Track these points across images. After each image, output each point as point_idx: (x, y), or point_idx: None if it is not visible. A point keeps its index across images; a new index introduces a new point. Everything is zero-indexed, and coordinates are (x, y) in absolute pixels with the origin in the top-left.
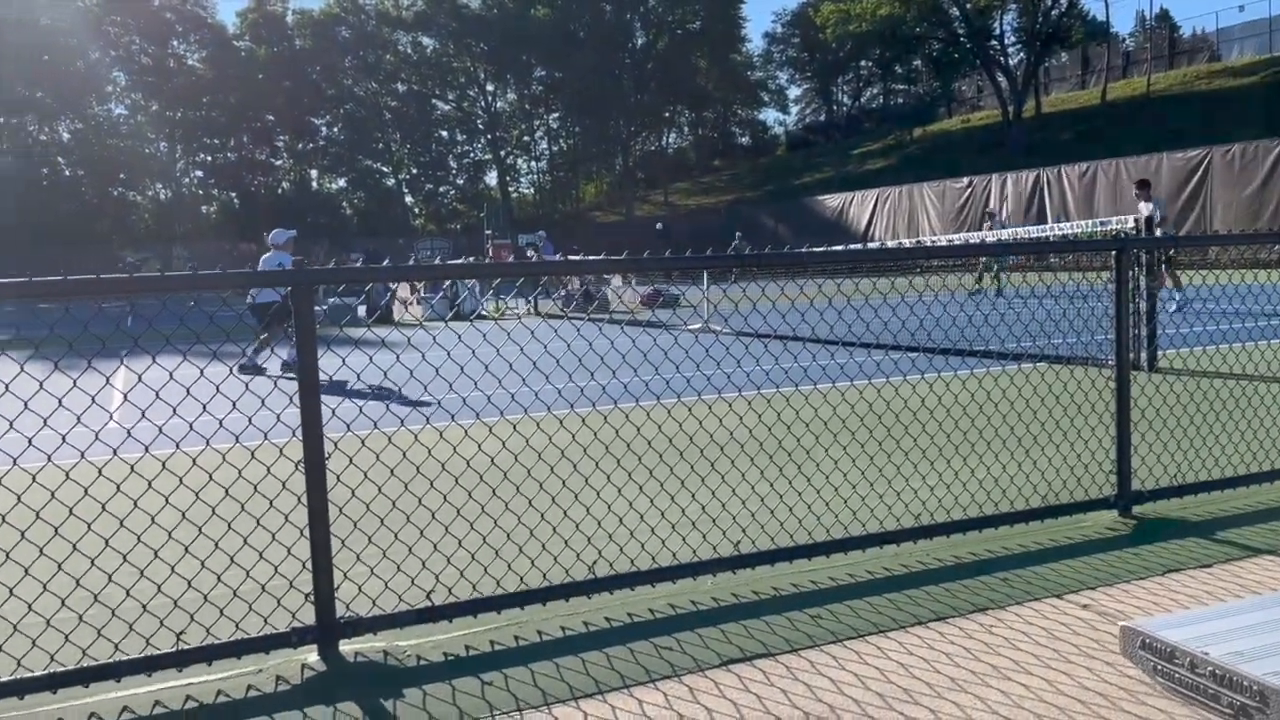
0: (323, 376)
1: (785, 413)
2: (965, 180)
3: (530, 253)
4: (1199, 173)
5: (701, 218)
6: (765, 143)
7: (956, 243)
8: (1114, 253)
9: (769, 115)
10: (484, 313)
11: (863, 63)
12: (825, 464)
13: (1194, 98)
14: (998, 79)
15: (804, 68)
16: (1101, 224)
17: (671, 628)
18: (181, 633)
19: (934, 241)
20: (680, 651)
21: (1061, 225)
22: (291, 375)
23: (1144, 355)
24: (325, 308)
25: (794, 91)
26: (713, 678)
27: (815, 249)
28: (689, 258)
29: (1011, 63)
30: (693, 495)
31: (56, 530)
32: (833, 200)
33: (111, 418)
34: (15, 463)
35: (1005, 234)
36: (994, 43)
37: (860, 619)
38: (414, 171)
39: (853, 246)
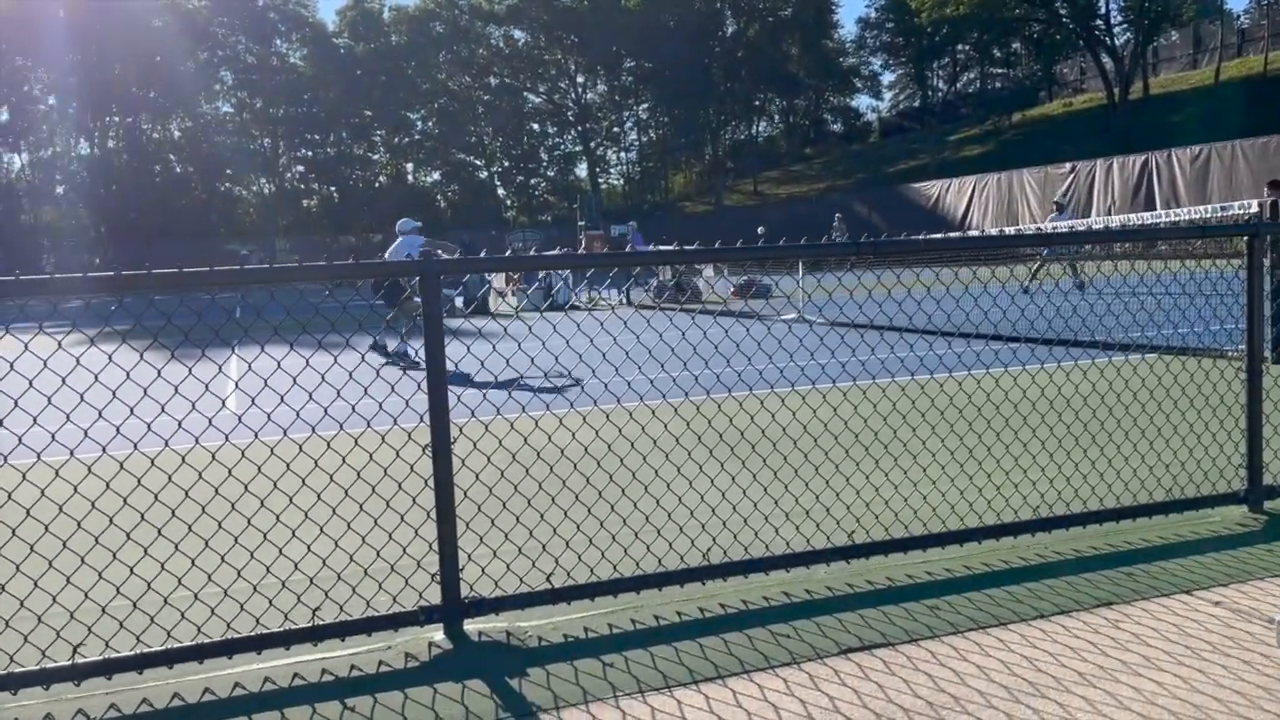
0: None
1: (886, 404)
2: (1068, 166)
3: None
4: None
5: (793, 207)
6: (858, 130)
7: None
8: (1246, 238)
9: (862, 102)
10: (578, 303)
11: (959, 46)
12: (940, 455)
13: None
14: (1102, 60)
15: (898, 53)
16: (1222, 209)
17: (787, 615)
18: (317, 609)
19: (1041, 229)
20: (797, 639)
21: (1177, 211)
22: (398, 364)
23: (1268, 348)
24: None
25: (888, 77)
26: (832, 665)
27: (932, 236)
28: (791, 246)
29: (1117, 43)
30: (806, 484)
31: (204, 509)
32: (928, 188)
33: (254, 402)
34: (135, 447)
35: (1064, 225)
36: (1099, 22)
37: (980, 611)
38: (506, 164)
39: (968, 234)
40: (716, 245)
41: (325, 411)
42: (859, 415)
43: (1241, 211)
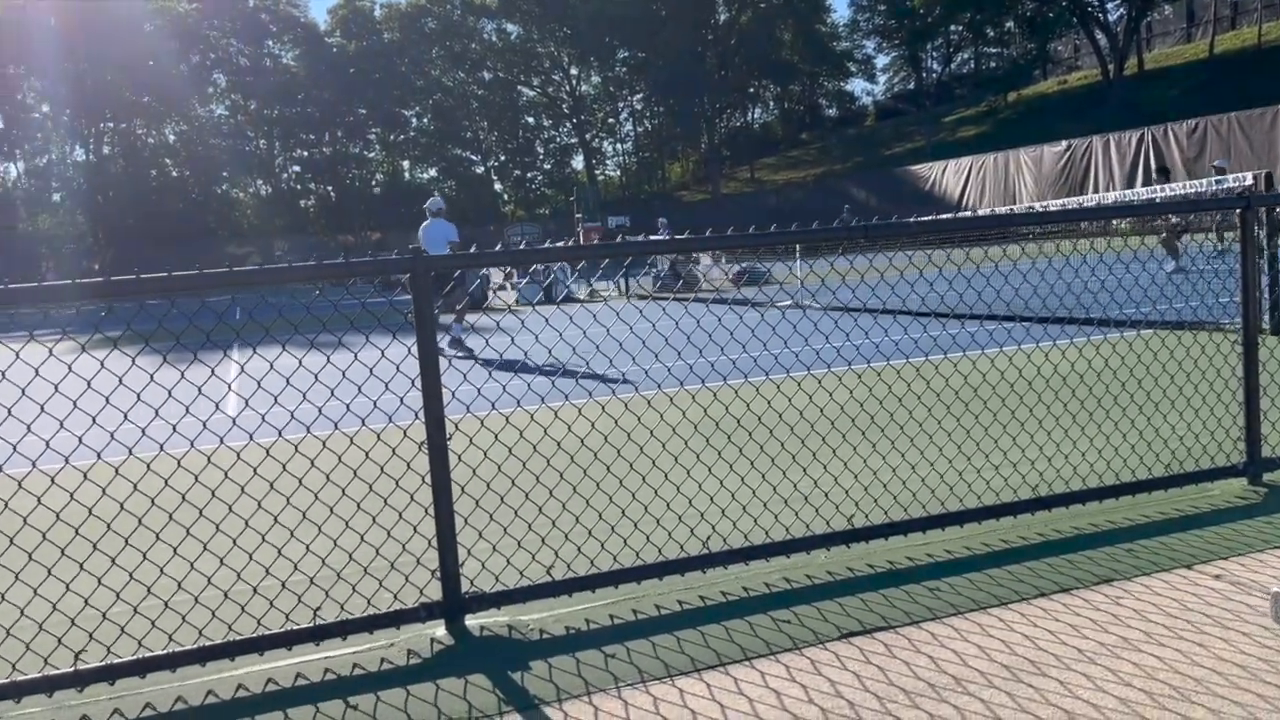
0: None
1: (883, 388)
2: (1063, 144)
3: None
4: None
5: (789, 193)
6: (853, 114)
7: (1062, 209)
8: (1238, 211)
9: (856, 86)
10: (574, 296)
11: (953, 27)
12: (939, 436)
13: None
14: (1096, 37)
15: (892, 35)
16: (1217, 182)
17: (787, 601)
18: (318, 609)
19: (1039, 208)
20: (798, 624)
21: (1171, 186)
22: (458, 354)
23: (1266, 319)
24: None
25: (882, 60)
26: (833, 650)
27: (924, 218)
28: (785, 232)
29: (1111, 19)
30: (804, 470)
31: (201, 512)
32: (924, 170)
33: (248, 404)
34: (130, 453)
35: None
36: None
37: (980, 592)
38: (502, 158)
39: (960, 216)
40: (708, 233)
41: (320, 411)
42: (855, 400)
43: (1236, 184)
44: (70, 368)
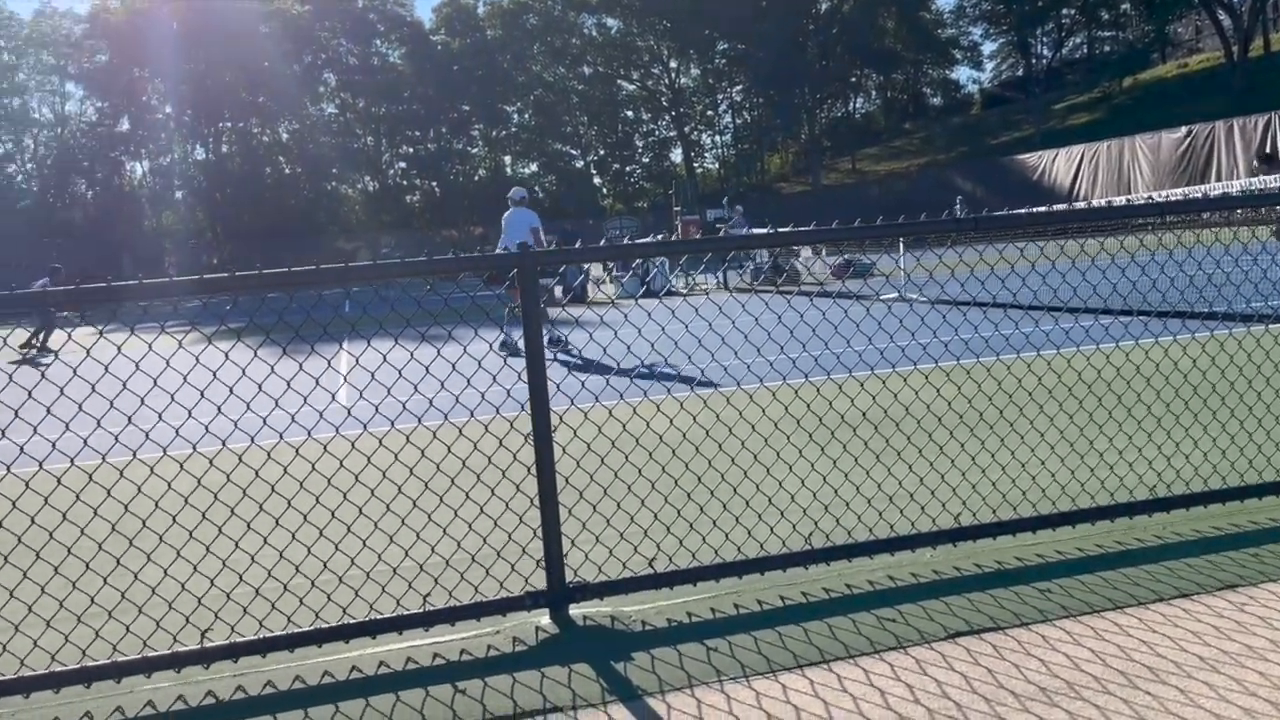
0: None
1: (991, 383)
2: (1183, 130)
3: (720, 228)
4: None
5: (892, 184)
6: (958, 102)
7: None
8: None
9: (962, 73)
10: (673, 289)
11: (1065, 10)
12: (1050, 434)
13: None
14: (1219, 17)
15: (999, 21)
16: None
17: (892, 600)
18: (427, 595)
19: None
20: (903, 623)
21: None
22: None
23: None
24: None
25: (989, 47)
26: (939, 650)
27: (1035, 209)
28: (889, 225)
29: None
30: (910, 467)
31: (318, 499)
32: (1033, 159)
33: (362, 395)
34: (253, 441)
35: None
36: None
37: (1094, 595)
38: (601, 153)
39: (1075, 208)
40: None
41: (430, 403)
42: (963, 395)
43: None
44: (198, 359)
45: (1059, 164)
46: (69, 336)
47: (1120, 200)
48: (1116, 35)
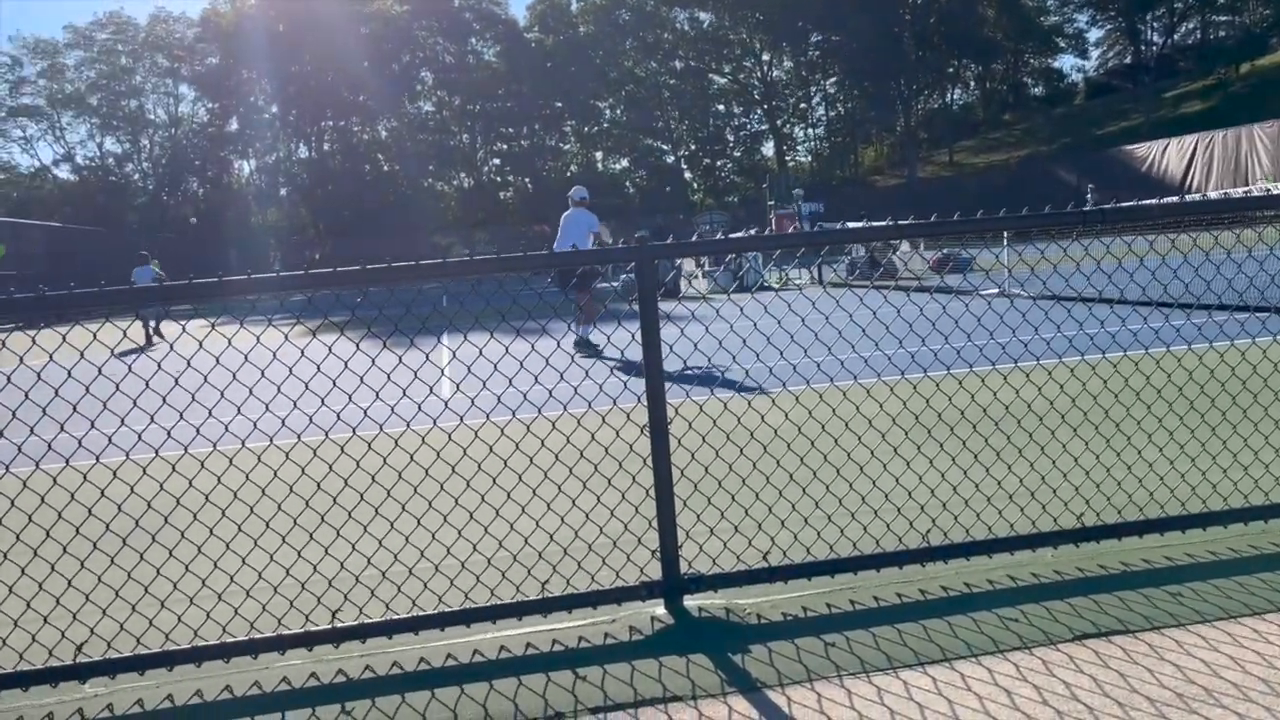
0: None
1: (1118, 380)
2: None
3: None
4: None
5: (990, 176)
6: (1061, 92)
7: None
8: None
9: (1065, 62)
10: (766, 284)
11: None
12: (1180, 433)
13: None
14: None
15: (1106, 6)
16: None
17: (1014, 599)
18: (545, 582)
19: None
20: (1026, 623)
21: None
22: (585, 355)
23: None
24: (618, 283)
25: (1095, 34)
26: (1066, 651)
27: (1164, 201)
28: (1003, 217)
29: None
30: (1031, 465)
31: (442, 486)
32: (1141, 149)
33: (483, 385)
34: (354, 432)
35: None
36: None
37: (1229, 599)
38: (692, 147)
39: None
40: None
41: (550, 394)
42: (1088, 392)
43: None
44: (303, 352)
45: (1170, 154)
46: (183, 329)
47: (1238, 193)
48: (1233, 20)
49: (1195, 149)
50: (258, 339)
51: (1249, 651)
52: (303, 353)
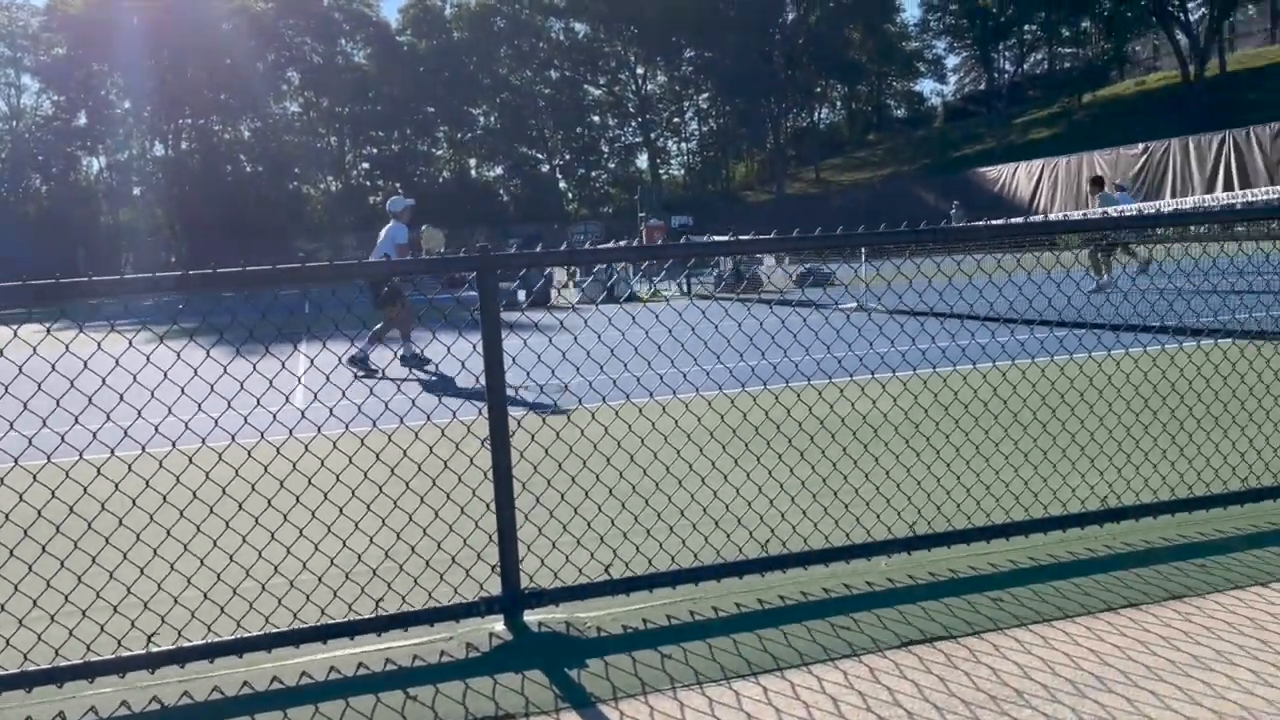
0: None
1: (948, 393)
2: (1140, 146)
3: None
4: None
5: (855, 194)
6: (922, 115)
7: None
8: None
9: (925, 86)
10: (636, 295)
11: (1026, 26)
12: (1004, 444)
13: None
14: (1176, 37)
15: (963, 35)
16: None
17: (847, 607)
18: (380, 600)
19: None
20: (858, 631)
21: (1254, 191)
22: (414, 369)
23: None
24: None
25: (952, 60)
26: (892, 658)
27: (994, 221)
28: (850, 235)
29: (1192, 19)
30: (866, 475)
31: (270, 502)
32: (993, 172)
33: (316, 397)
34: (204, 442)
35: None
36: None
37: (1045, 604)
38: (567, 157)
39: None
40: (774, 235)
41: (386, 405)
42: (919, 405)
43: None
44: (149, 359)
45: (1019, 177)
46: (14, 333)
47: (1077, 214)
48: (1077, 52)
49: (1042, 173)
50: (99, 345)
51: (1058, 654)
52: (148, 359)
